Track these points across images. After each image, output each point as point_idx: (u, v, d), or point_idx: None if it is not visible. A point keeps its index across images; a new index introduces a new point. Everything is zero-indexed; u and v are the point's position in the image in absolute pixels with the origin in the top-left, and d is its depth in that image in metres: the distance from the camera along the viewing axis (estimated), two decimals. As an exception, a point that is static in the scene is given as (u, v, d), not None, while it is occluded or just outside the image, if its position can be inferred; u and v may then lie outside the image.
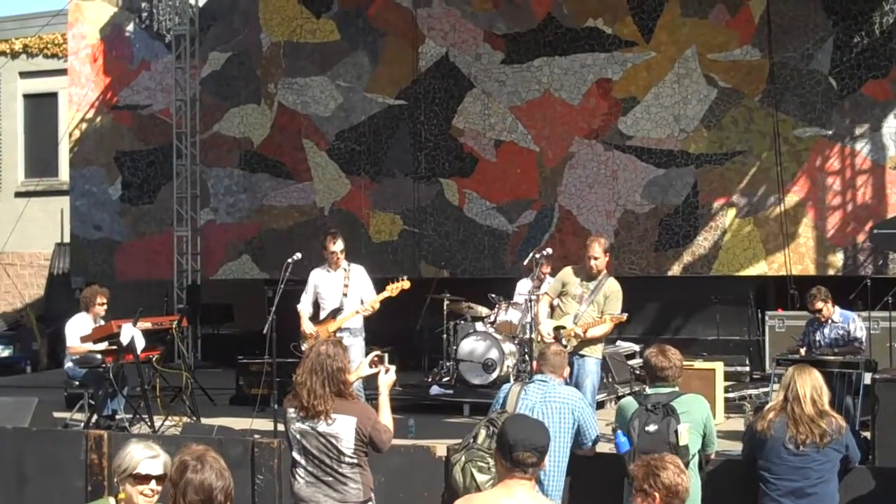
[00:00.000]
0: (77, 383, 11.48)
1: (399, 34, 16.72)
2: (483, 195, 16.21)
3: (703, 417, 6.47)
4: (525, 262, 11.65)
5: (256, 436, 9.10)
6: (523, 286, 12.38)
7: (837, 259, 14.54)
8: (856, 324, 10.89)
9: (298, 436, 6.04)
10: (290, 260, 10.08)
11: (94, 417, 10.72)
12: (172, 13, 17.98)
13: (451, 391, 12.58)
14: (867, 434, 8.59)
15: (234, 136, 17.73)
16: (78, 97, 18.90)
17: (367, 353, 8.46)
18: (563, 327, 9.31)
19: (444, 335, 13.41)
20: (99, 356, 10.85)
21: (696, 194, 15.17)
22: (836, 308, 10.97)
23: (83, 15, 18.82)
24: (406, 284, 10.28)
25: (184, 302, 17.20)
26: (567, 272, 9.66)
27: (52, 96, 22.29)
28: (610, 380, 12.66)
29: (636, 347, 13.98)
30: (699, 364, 11.56)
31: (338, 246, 10.33)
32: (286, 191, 17.37)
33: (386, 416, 6.16)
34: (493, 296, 13.01)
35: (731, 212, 15.02)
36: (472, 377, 12.51)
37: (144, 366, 11.14)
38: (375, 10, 16.89)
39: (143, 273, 18.34)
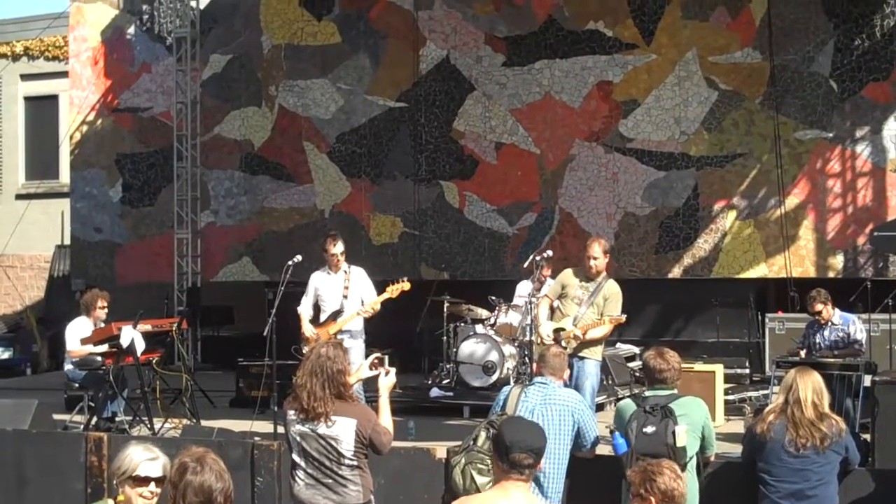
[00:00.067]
0: (77, 385, 11.48)
1: (400, 37, 16.73)
2: (483, 197, 16.21)
3: (702, 420, 6.47)
4: (525, 265, 11.68)
5: (256, 438, 9.10)
6: (523, 288, 12.37)
7: (838, 261, 14.54)
8: (856, 326, 10.89)
9: (298, 438, 6.04)
10: (290, 262, 10.08)
11: (94, 419, 10.71)
12: (173, 16, 18.00)
13: (451, 393, 12.57)
14: (867, 436, 8.59)
15: (235, 139, 17.74)
16: (79, 100, 18.91)
17: (367, 356, 8.45)
18: (563, 329, 9.30)
19: (445, 337, 13.40)
20: (99, 358, 10.84)
21: (696, 196, 15.17)
22: (836, 310, 10.97)
23: (84, 17, 18.84)
24: (406, 286, 10.28)
25: (184, 304, 17.19)
26: (567, 274, 9.66)
27: (53, 99, 22.31)
28: (610, 382, 12.65)
29: (636, 350, 13.97)
30: (699, 366, 11.55)
31: (338, 248, 10.33)
32: (287, 193, 17.38)
33: (386, 419, 6.16)
34: (494, 298, 13.01)
35: (732, 214, 15.02)
36: (472, 379, 12.51)
37: (144, 368, 11.14)
38: (376, 13, 16.90)
39: (144, 275, 18.34)
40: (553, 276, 11.01)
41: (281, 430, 7.66)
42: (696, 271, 15.22)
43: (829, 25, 14.58)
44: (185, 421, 11.08)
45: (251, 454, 8.18)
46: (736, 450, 7.72)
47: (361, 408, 6.25)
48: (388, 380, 6.31)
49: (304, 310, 10.44)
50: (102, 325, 11.40)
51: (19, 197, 22.27)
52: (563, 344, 9.03)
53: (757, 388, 12.96)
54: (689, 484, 5.45)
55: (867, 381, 9.61)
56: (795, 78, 14.71)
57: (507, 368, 12.34)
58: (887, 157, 14.36)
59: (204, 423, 10.86)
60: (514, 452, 4.41)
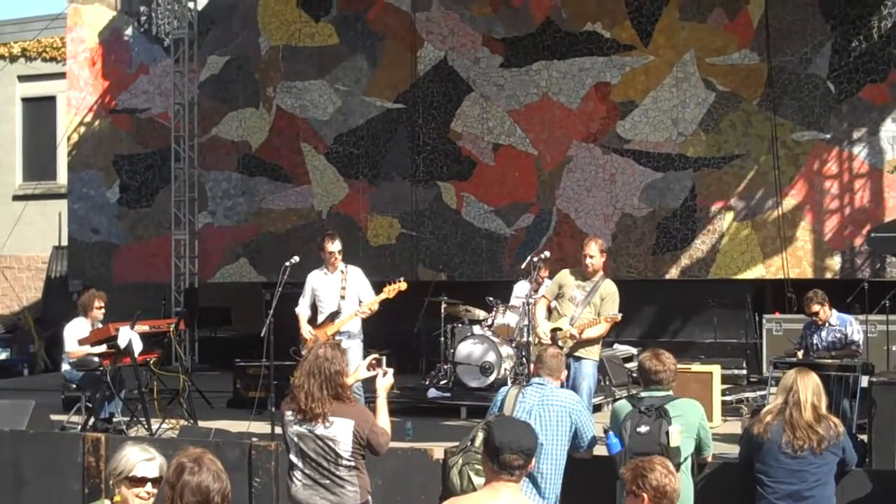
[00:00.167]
0: (74, 386, 11.49)
1: (398, 38, 16.74)
2: (481, 199, 16.22)
3: (697, 421, 6.48)
4: (523, 266, 11.68)
5: (254, 438, 9.09)
6: (520, 289, 12.36)
7: (835, 262, 14.56)
8: (853, 327, 10.90)
9: (296, 438, 6.04)
10: (287, 263, 10.09)
11: (92, 420, 10.71)
12: (171, 17, 18.01)
13: (448, 394, 12.57)
14: (864, 437, 8.60)
15: (233, 140, 17.74)
16: (76, 101, 18.91)
17: (365, 356, 8.46)
18: (560, 329, 9.31)
19: (442, 338, 13.40)
20: (96, 359, 10.84)
21: (693, 198, 15.18)
22: (834, 311, 10.97)
23: (82, 19, 18.83)
24: (403, 286, 10.28)
25: (181, 305, 17.19)
26: (563, 274, 9.68)
27: (51, 100, 22.28)
28: (607, 383, 12.66)
29: (633, 350, 13.97)
30: (696, 367, 11.54)
31: (335, 246, 10.32)
32: (284, 194, 17.38)
33: (383, 419, 6.16)
34: (491, 299, 13.01)
35: (729, 215, 15.03)
36: (470, 380, 12.51)
37: (142, 369, 11.13)
38: (374, 14, 16.91)
39: (141, 276, 18.34)
40: (550, 277, 11.01)
41: (278, 430, 7.66)
42: (694, 272, 15.23)
43: (826, 27, 14.60)
44: (182, 422, 11.08)
45: (248, 455, 8.18)
46: (733, 450, 7.73)
47: (359, 408, 6.25)
48: (385, 380, 6.31)
49: (302, 310, 10.43)
50: (100, 325, 11.40)
51: (17, 198, 22.25)
52: (560, 344, 9.04)
53: (754, 388, 12.97)
54: (683, 485, 5.45)
55: (864, 381, 9.62)
56: (793, 79, 14.73)
57: (505, 369, 12.34)
58: (884, 159, 14.38)
59: (201, 423, 10.86)
60: (505, 453, 4.41)
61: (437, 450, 7.85)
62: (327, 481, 6.00)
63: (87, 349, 10.99)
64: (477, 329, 12.90)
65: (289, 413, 6.07)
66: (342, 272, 10.38)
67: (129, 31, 18.66)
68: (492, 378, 12.30)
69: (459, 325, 13.30)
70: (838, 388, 10.02)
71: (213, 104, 17.84)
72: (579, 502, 6.77)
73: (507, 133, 16.12)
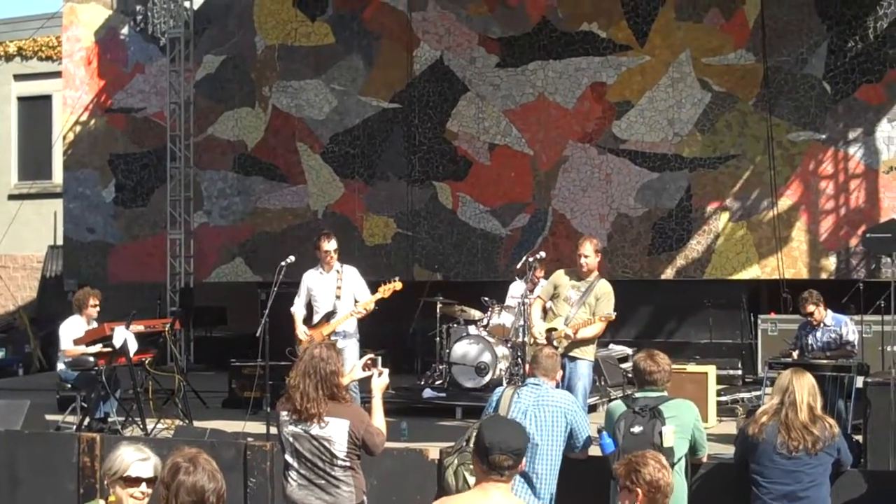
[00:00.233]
0: (69, 386, 11.48)
1: (394, 37, 16.74)
2: (477, 198, 16.22)
3: (692, 422, 6.48)
4: (518, 266, 11.69)
5: (249, 439, 9.10)
6: (516, 289, 12.38)
7: (830, 263, 14.57)
8: (848, 327, 10.91)
9: (291, 439, 6.04)
10: (283, 263, 10.09)
11: (87, 420, 10.71)
12: (167, 16, 18.01)
13: (443, 394, 12.57)
14: (859, 437, 8.61)
15: (228, 139, 17.73)
16: (72, 100, 18.90)
17: (361, 356, 8.45)
18: (555, 329, 9.32)
19: (437, 338, 13.41)
20: (91, 359, 10.83)
21: (689, 198, 15.19)
22: (829, 311, 10.99)
23: (78, 18, 18.82)
24: (398, 285, 10.29)
25: (177, 305, 17.20)
26: (559, 275, 9.70)
27: (47, 99, 22.26)
28: (602, 383, 12.67)
29: (629, 351, 13.98)
30: (692, 367, 11.56)
31: (331, 245, 10.33)
32: (280, 194, 17.37)
33: (379, 420, 6.15)
34: (486, 299, 13.02)
35: (725, 215, 15.04)
36: (465, 380, 12.51)
37: (137, 368, 11.13)
38: (370, 14, 16.90)
39: (136, 276, 18.34)
40: (546, 278, 11.03)
41: (274, 430, 7.65)
42: (689, 273, 15.23)
43: (822, 27, 14.60)
44: (177, 422, 11.08)
45: (244, 455, 8.17)
46: (728, 451, 7.73)
47: (354, 409, 6.25)
48: (381, 381, 6.30)
49: (298, 310, 10.43)
50: (95, 323, 11.40)
51: (12, 197, 22.21)
52: (555, 344, 9.05)
53: (749, 389, 12.99)
54: (677, 486, 5.45)
55: (859, 382, 9.64)
56: (789, 80, 14.74)
57: (500, 369, 12.34)
58: (880, 159, 14.39)
59: (196, 423, 10.86)
60: (494, 454, 4.41)
61: (433, 450, 7.85)
62: (322, 481, 5.99)
63: (83, 349, 10.98)
64: (472, 329, 12.91)
65: (284, 413, 6.07)
66: (338, 272, 10.38)
67: (125, 31, 18.64)
68: (487, 378, 12.31)
69: (455, 325, 13.30)
70: (833, 389, 10.02)
71: (208, 103, 17.83)
72: (574, 502, 6.76)
73: (502, 133, 16.12)
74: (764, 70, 14.78)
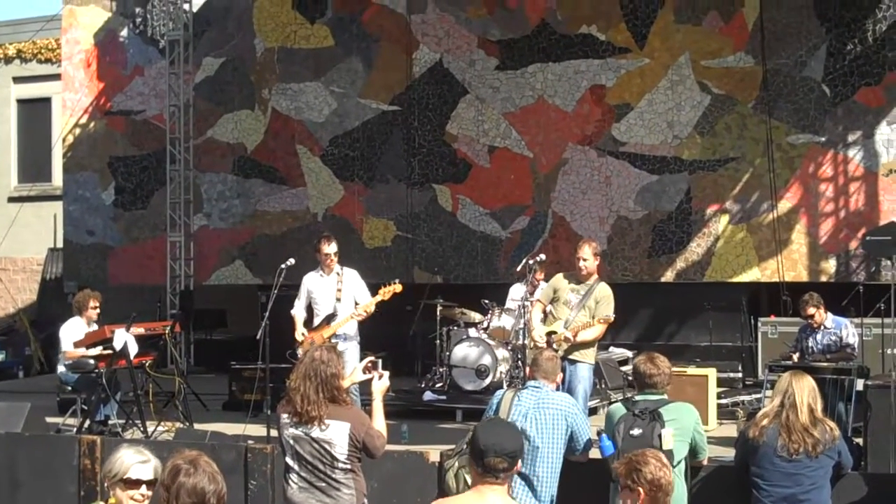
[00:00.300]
0: (70, 388, 11.48)
1: (393, 40, 16.74)
2: (476, 201, 16.22)
3: (692, 425, 6.48)
4: (518, 268, 11.70)
5: (249, 441, 9.10)
6: (516, 291, 12.37)
7: (830, 266, 14.57)
8: (848, 330, 10.92)
9: (292, 441, 6.04)
10: (283, 265, 10.10)
11: (87, 423, 10.70)
12: (166, 18, 18.00)
13: (444, 397, 12.56)
14: (859, 440, 8.61)
15: (228, 142, 17.73)
16: (71, 102, 18.89)
17: (361, 359, 8.46)
18: (555, 332, 9.32)
19: (438, 341, 13.39)
20: (92, 361, 10.83)
21: (689, 200, 15.19)
22: (829, 314, 11.00)
23: (77, 20, 18.82)
24: (398, 288, 10.30)
25: (177, 307, 17.18)
26: (558, 278, 9.71)
27: (46, 101, 22.26)
28: (602, 386, 12.67)
29: (629, 353, 13.97)
30: (692, 370, 11.58)
31: (331, 248, 10.34)
32: (279, 196, 17.37)
33: (379, 422, 6.16)
34: (487, 301, 13.02)
35: (725, 218, 15.04)
36: (465, 383, 12.50)
37: (137, 371, 11.12)
38: (369, 16, 16.91)
39: (136, 278, 18.33)
40: (546, 280, 11.03)
41: (274, 433, 7.66)
42: (689, 275, 15.23)
43: (821, 30, 14.61)
44: (178, 424, 11.07)
45: (244, 458, 8.18)
46: (728, 454, 7.73)
47: (355, 411, 6.25)
48: (381, 383, 6.31)
49: (298, 313, 10.44)
50: (95, 325, 11.40)
51: (12, 199, 22.21)
52: (555, 347, 9.05)
53: (750, 391, 12.98)
54: (676, 489, 5.45)
55: (860, 385, 9.64)
56: (788, 82, 14.75)
57: (500, 372, 12.33)
58: (879, 162, 14.39)
59: (197, 426, 10.85)
60: (489, 457, 4.40)
61: (433, 452, 7.85)
62: (323, 484, 6.00)
63: (83, 351, 10.98)
64: (472, 332, 12.90)
65: (285, 416, 6.07)
66: (338, 274, 10.39)
67: (124, 33, 18.64)
68: (487, 381, 12.29)
69: (455, 327, 13.29)
70: (833, 392, 10.03)
71: (208, 106, 17.83)
72: (574, 505, 6.77)
73: (502, 135, 16.13)
74: (763, 73, 14.78)
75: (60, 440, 9.43)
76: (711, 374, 11.36)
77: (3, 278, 22.34)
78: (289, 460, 6.10)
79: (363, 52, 16.92)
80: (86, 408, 11.00)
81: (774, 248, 14.69)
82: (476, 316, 13.18)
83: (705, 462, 6.85)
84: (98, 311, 11.60)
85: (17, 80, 22.74)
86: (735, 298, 15.07)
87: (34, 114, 22.69)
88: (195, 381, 13.46)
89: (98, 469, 8.32)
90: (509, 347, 12.38)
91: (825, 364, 10.53)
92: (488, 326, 12.76)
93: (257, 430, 10.19)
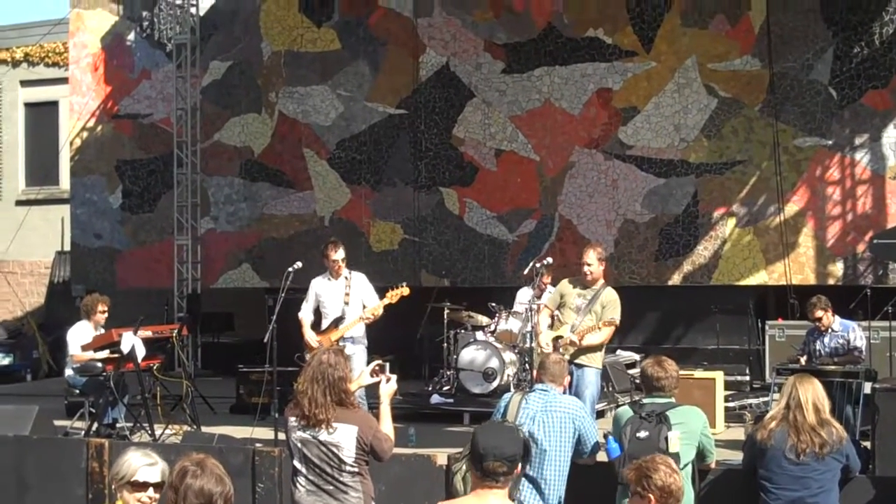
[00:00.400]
0: (77, 391, 11.50)
1: (400, 43, 16.75)
2: (483, 204, 16.22)
3: (699, 429, 6.49)
4: (525, 272, 11.68)
5: (257, 444, 9.10)
6: (523, 295, 12.38)
7: (837, 269, 14.55)
8: (856, 333, 10.91)
9: (299, 444, 6.05)
10: (290, 269, 10.10)
11: (95, 425, 10.72)
12: (173, 22, 18.04)
13: (451, 400, 12.58)
14: (867, 444, 8.60)
15: (235, 145, 17.75)
16: (79, 106, 18.93)
17: (368, 362, 8.47)
18: (561, 337, 9.33)
19: (445, 344, 13.40)
20: (99, 364, 10.85)
21: (696, 204, 15.18)
22: (836, 317, 10.98)
23: (84, 24, 18.86)
24: (405, 291, 10.31)
25: (184, 311, 17.21)
26: (564, 284, 9.71)
27: (53, 105, 22.33)
28: (610, 389, 12.66)
29: (636, 357, 13.98)
30: (699, 373, 11.57)
31: (339, 254, 10.35)
32: (286, 200, 17.39)
33: (387, 425, 6.16)
34: (494, 305, 13.02)
35: (731, 221, 15.03)
36: (473, 386, 12.51)
37: (145, 374, 11.14)
38: (376, 20, 16.92)
39: (144, 281, 18.35)
40: (553, 284, 11.03)
41: (282, 436, 7.66)
42: (696, 278, 15.22)
43: (828, 33, 14.60)
44: (185, 427, 11.09)
45: (252, 460, 8.18)
46: (736, 457, 7.74)
47: (362, 414, 6.25)
48: (389, 387, 6.31)
49: (305, 316, 10.45)
50: (102, 329, 11.42)
51: (19, 203, 22.27)
52: (561, 351, 9.05)
53: (757, 395, 12.96)
54: (684, 489, 5.45)
55: (867, 388, 9.62)
56: (795, 85, 14.73)
57: (508, 375, 12.34)
58: (886, 165, 14.37)
59: (204, 429, 10.88)
60: (488, 461, 4.38)
61: (441, 456, 7.85)
62: (331, 487, 6.00)
63: (91, 354, 11.00)
64: (480, 335, 12.91)
65: (292, 419, 6.08)
66: (346, 278, 10.41)
67: (131, 37, 18.67)
68: (494, 384, 12.30)
69: (462, 330, 13.30)
70: (841, 395, 10.03)
71: (215, 109, 17.85)
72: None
73: (509, 139, 16.13)
74: (770, 76, 14.78)
75: (68, 443, 9.44)
76: (719, 377, 11.36)
77: (11, 281, 22.38)
78: (296, 463, 6.10)
79: (370, 56, 16.93)
80: (94, 411, 11.02)
81: (782, 251, 14.68)
82: (483, 319, 13.18)
83: (713, 465, 6.86)
84: (106, 315, 11.62)
85: (24, 83, 22.81)
86: (742, 301, 15.06)
87: (41, 117, 22.76)
88: (202, 385, 13.46)
89: (106, 472, 8.32)
90: (516, 351, 12.38)
91: (833, 367, 10.52)
92: (495, 330, 12.77)
93: (265, 433, 10.20)
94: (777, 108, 14.73)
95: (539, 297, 10.62)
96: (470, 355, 12.58)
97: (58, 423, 10.90)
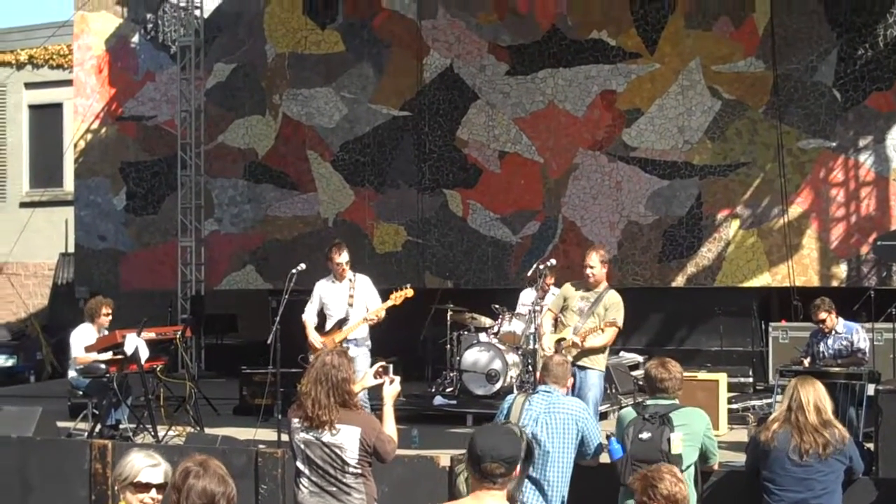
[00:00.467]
0: (81, 393, 11.50)
1: (404, 45, 16.76)
2: (487, 206, 16.22)
3: (702, 431, 6.49)
4: (529, 274, 11.69)
5: (260, 446, 9.11)
6: (527, 296, 12.38)
7: (841, 270, 14.55)
8: (859, 335, 10.90)
9: (302, 446, 6.05)
10: (294, 270, 10.12)
11: (98, 427, 10.73)
12: (178, 24, 18.05)
13: (454, 402, 12.57)
14: (870, 445, 8.60)
15: (239, 147, 17.75)
16: (83, 108, 18.95)
17: (372, 364, 8.47)
18: (564, 339, 9.33)
19: (448, 346, 13.40)
20: (103, 366, 10.86)
21: (699, 205, 15.18)
22: (840, 319, 10.98)
23: (89, 26, 18.87)
24: (410, 293, 10.32)
25: (188, 312, 17.20)
26: (567, 287, 9.73)
27: (58, 107, 22.35)
28: (613, 391, 12.65)
29: (640, 358, 13.96)
30: (703, 375, 11.56)
31: (343, 257, 10.36)
32: (290, 201, 17.40)
33: (390, 427, 6.16)
34: (497, 306, 13.02)
35: (735, 223, 15.02)
36: (476, 388, 12.50)
37: (148, 376, 11.15)
38: (380, 22, 16.93)
39: (148, 283, 18.36)
40: (556, 285, 11.03)
41: (285, 437, 7.66)
42: (700, 280, 15.22)
43: (832, 35, 14.59)
44: (188, 428, 11.10)
45: (255, 462, 8.19)
46: (739, 458, 7.73)
47: (365, 416, 6.26)
48: (392, 388, 6.31)
49: (309, 318, 10.46)
50: (106, 332, 11.42)
51: (23, 205, 22.30)
52: (564, 353, 9.05)
53: (760, 396, 12.95)
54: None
55: (871, 390, 9.62)
56: (799, 87, 14.73)
57: (511, 377, 12.33)
58: (890, 167, 14.37)
59: (208, 430, 10.88)
60: (486, 462, 4.36)
61: (444, 457, 7.86)
62: (334, 488, 6.00)
63: (94, 356, 11.00)
64: (483, 337, 12.91)
65: (295, 420, 6.08)
66: (350, 280, 10.41)
67: (135, 39, 18.69)
68: (498, 386, 12.30)
69: (465, 332, 13.30)
70: (845, 397, 10.01)
71: (219, 111, 17.86)
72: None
73: (512, 141, 16.13)
74: (774, 78, 14.77)
75: (72, 444, 9.46)
76: (722, 378, 11.35)
77: (15, 283, 22.41)
78: (299, 465, 6.11)
79: (374, 58, 16.94)
80: (97, 412, 11.03)
81: (785, 252, 14.67)
82: (486, 321, 13.18)
83: (716, 467, 6.86)
84: (110, 318, 11.62)
85: (28, 85, 22.86)
86: (746, 303, 15.05)
87: (46, 119, 22.79)
88: (206, 386, 13.48)
89: (109, 473, 8.34)
90: (520, 352, 12.38)
91: (836, 369, 10.51)
92: (499, 331, 12.77)
93: (268, 434, 10.21)
94: (781, 110, 14.73)
95: (542, 299, 10.62)
96: (473, 357, 12.58)
97: (61, 424, 10.90)
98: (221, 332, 17.89)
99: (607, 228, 15.56)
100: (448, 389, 12.96)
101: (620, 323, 9.40)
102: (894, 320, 11.65)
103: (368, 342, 10.46)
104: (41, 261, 22.27)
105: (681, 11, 15.26)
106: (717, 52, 15.11)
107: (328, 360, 6.04)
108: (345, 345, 9.93)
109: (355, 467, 5.99)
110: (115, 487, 4.71)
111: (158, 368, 11.38)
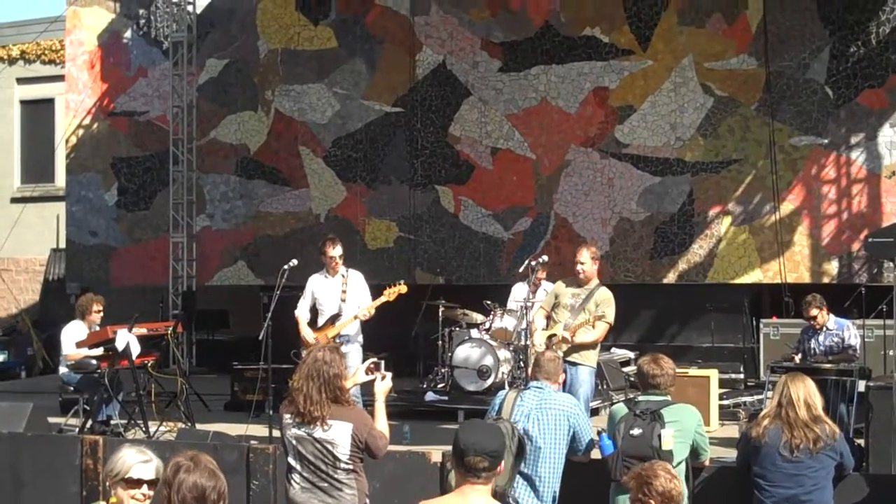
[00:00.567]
0: (72, 389, 11.48)
1: (396, 42, 16.75)
2: (479, 202, 16.23)
3: (693, 427, 6.50)
4: (521, 270, 11.69)
5: (252, 441, 9.10)
6: (519, 291, 12.37)
7: (832, 267, 14.58)
8: (850, 331, 10.92)
9: (294, 441, 6.05)
10: (286, 266, 10.11)
11: (89, 423, 10.70)
12: (170, 20, 18.02)
13: (445, 398, 12.57)
14: (861, 441, 8.62)
15: (231, 143, 17.74)
16: (75, 103, 18.91)
17: (364, 360, 8.46)
18: (555, 335, 9.33)
19: (440, 342, 13.40)
20: (94, 362, 10.84)
21: (691, 202, 15.19)
22: (831, 316, 10.99)
23: (81, 21, 18.84)
24: (403, 289, 10.31)
25: (179, 308, 17.18)
26: (559, 285, 9.73)
27: (49, 102, 22.30)
28: (604, 387, 12.66)
29: (631, 354, 13.99)
30: (694, 371, 11.58)
31: (336, 251, 10.34)
32: (282, 197, 17.38)
33: (382, 423, 6.16)
34: (489, 302, 13.02)
35: (727, 220, 15.04)
36: (467, 384, 12.50)
37: (139, 371, 11.12)
38: (373, 18, 16.92)
39: (139, 279, 18.33)
40: (548, 281, 11.03)
41: (276, 433, 7.66)
42: (691, 277, 15.24)
43: (824, 32, 14.61)
44: (180, 424, 11.07)
45: (246, 458, 8.19)
46: (730, 454, 7.74)
47: (357, 412, 6.25)
48: (384, 384, 6.31)
49: (302, 313, 10.44)
50: (97, 328, 11.40)
51: (14, 200, 22.24)
52: (555, 349, 9.05)
53: (751, 393, 12.98)
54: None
55: (861, 386, 9.65)
56: (791, 84, 14.75)
57: (502, 373, 12.33)
58: (882, 164, 14.40)
59: (199, 426, 10.84)
60: (469, 456, 4.37)
61: (435, 453, 7.86)
62: (325, 484, 6.00)
63: (85, 352, 10.98)
64: (475, 333, 12.90)
65: (287, 416, 6.08)
66: (343, 276, 10.40)
67: (127, 34, 18.66)
68: (489, 382, 12.29)
69: (457, 328, 13.29)
70: (835, 393, 10.03)
71: (211, 107, 17.84)
72: (574, 505, 6.78)
73: (505, 137, 16.13)
74: (766, 75, 14.79)
75: (63, 440, 9.44)
76: (713, 375, 11.36)
77: (6, 279, 22.37)
78: (291, 460, 6.11)
79: (366, 54, 16.93)
80: (88, 408, 11.00)
81: (777, 249, 14.69)
82: (478, 317, 13.18)
83: (707, 463, 6.87)
84: (101, 315, 11.60)
85: (20, 81, 22.79)
86: (737, 300, 15.07)
87: (37, 115, 22.73)
88: (197, 382, 13.47)
89: (100, 469, 8.32)
90: (511, 348, 12.38)
91: (827, 365, 10.53)
92: (490, 327, 12.77)
93: (259, 430, 10.19)
94: (773, 107, 14.75)
95: (534, 295, 10.62)
96: (465, 353, 12.57)
97: (52, 420, 10.88)
98: (213, 328, 17.88)
99: (599, 225, 15.57)
100: (440, 385, 12.95)
101: (611, 319, 9.39)
102: (885, 317, 11.68)
103: (360, 338, 10.45)
104: (32, 256, 22.23)
105: (674, 8, 15.27)
106: (709, 49, 15.13)
107: (320, 356, 6.03)
108: (337, 341, 9.91)
109: (347, 463, 5.98)
110: (107, 483, 4.70)
111: (150, 364, 11.34)
